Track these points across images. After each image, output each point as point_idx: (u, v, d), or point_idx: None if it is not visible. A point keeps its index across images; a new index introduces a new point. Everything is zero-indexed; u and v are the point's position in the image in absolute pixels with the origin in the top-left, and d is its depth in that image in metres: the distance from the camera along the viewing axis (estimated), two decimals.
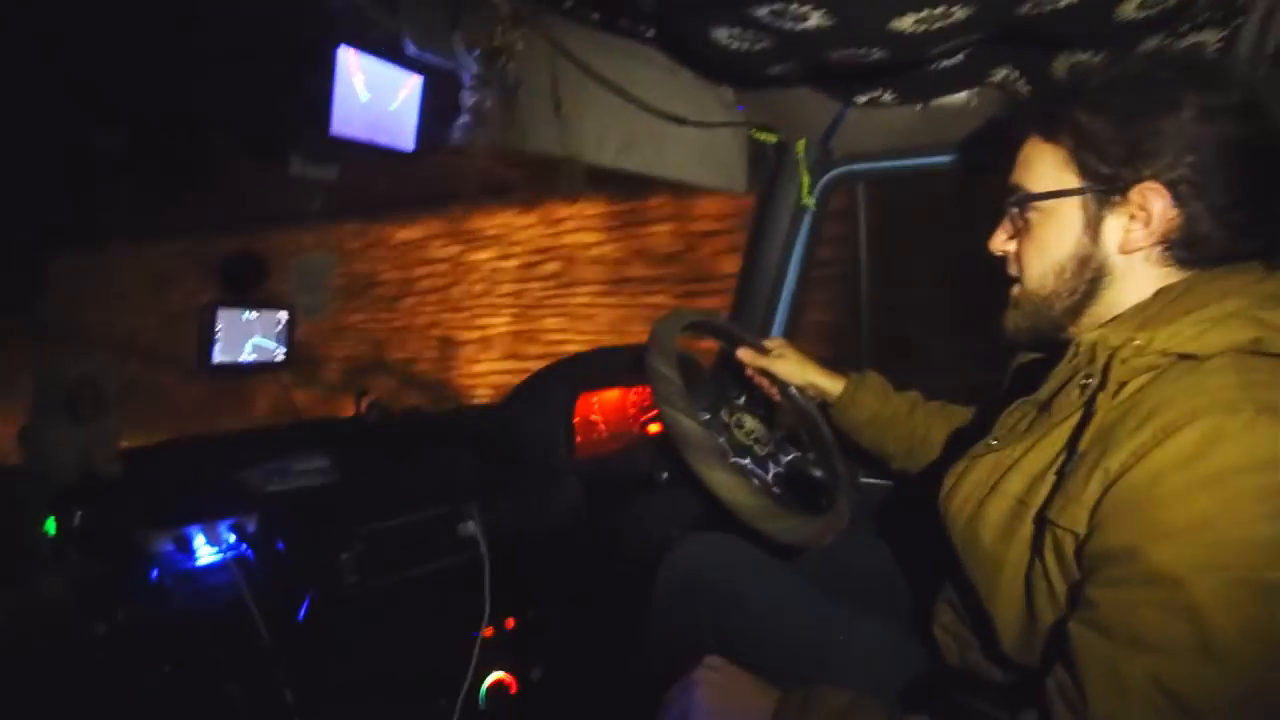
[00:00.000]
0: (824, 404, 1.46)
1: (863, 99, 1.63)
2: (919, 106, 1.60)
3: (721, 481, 1.09)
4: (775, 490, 1.22)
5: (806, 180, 1.78)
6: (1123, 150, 0.85)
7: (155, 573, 1.00)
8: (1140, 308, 0.87)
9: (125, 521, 1.03)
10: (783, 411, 1.48)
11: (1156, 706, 0.67)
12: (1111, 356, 0.81)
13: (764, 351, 1.47)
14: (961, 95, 1.55)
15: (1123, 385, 0.80)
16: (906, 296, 1.92)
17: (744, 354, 1.45)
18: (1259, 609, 0.67)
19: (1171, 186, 0.84)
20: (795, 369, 1.45)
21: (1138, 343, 0.80)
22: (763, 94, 1.73)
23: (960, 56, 1.37)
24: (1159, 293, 0.87)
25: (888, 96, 1.59)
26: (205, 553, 1.06)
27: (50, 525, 1.00)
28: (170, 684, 1.00)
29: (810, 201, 1.79)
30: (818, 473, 1.34)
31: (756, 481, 1.18)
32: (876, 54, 1.29)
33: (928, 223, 1.87)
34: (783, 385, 1.46)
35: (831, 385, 1.43)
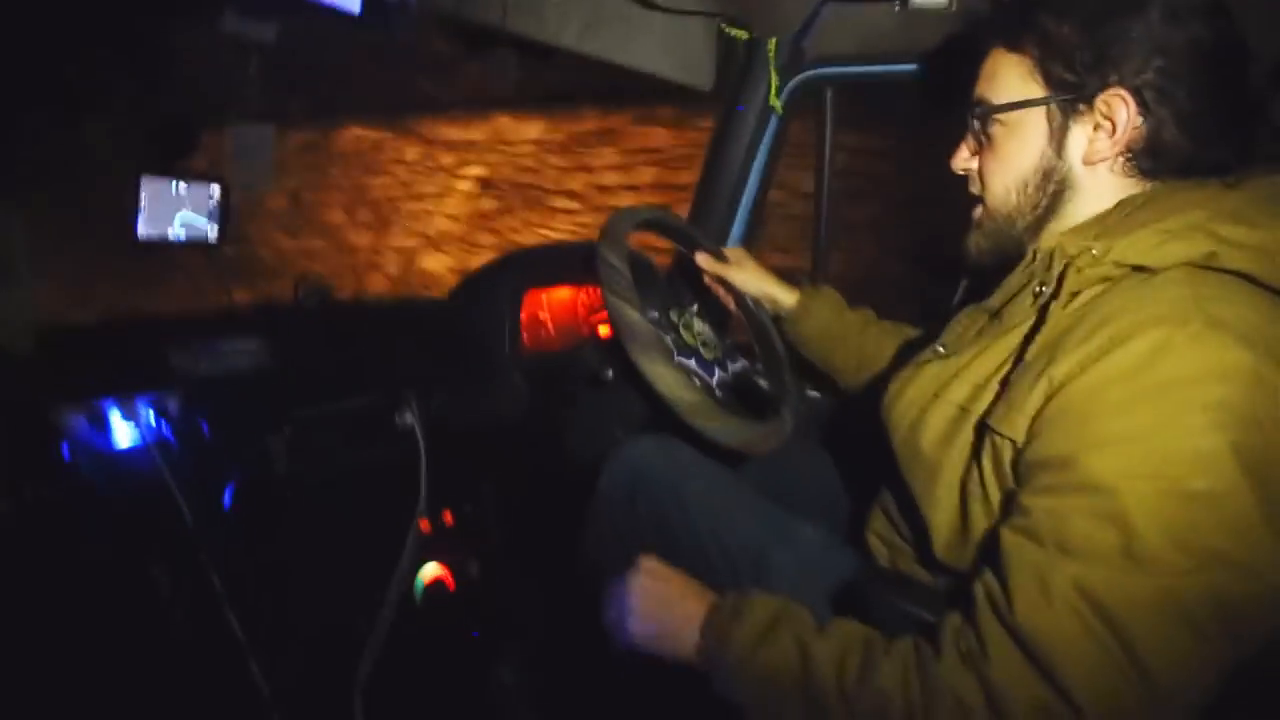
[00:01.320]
0: (777, 317, 1.45)
1: None
2: (897, 8, 1.53)
3: (662, 376, 1.08)
4: (718, 394, 1.21)
5: (776, 82, 1.71)
6: (1089, 56, 0.83)
7: (66, 449, 0.95)
8: (1100, 218, 0.86)
9: (32, 394, 0.96)
10: (735, 320, 1.46)
11: (1080, 612, 0.68)
12: (1067, 265, 0.81)
13: (722, 259, 1.44)
14: None
15: (1075, 295, 0.80)
16: (870, 215, 1.88)
17: (701, 259, 1.43)
18: (1185, 518, 0.67)
19: (1137, 93, 0.82)
20: (752, 278, 1.43)
21: (1094, 252, 0.79)
22: None
23: None
24: (1120, 204, 0.86)
25: None
26: (123, 432, 1.00)
27: None
28: (86, 569, 0.97)
29: (778, 104, 1.73)
30: (764, 384, 1.33)
31: (698, 381, 1.17)
32: None
33: (893, 143, 1.82)
34: (738, 294, 1.44)
35: (787, 297, 1.42)
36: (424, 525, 1.26)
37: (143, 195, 1.27)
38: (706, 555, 1.12)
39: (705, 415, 1.09)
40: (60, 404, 0.96)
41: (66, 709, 0.95)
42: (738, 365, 1.30)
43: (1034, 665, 0.69)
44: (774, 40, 1.70)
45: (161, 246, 1.30)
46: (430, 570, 1.29)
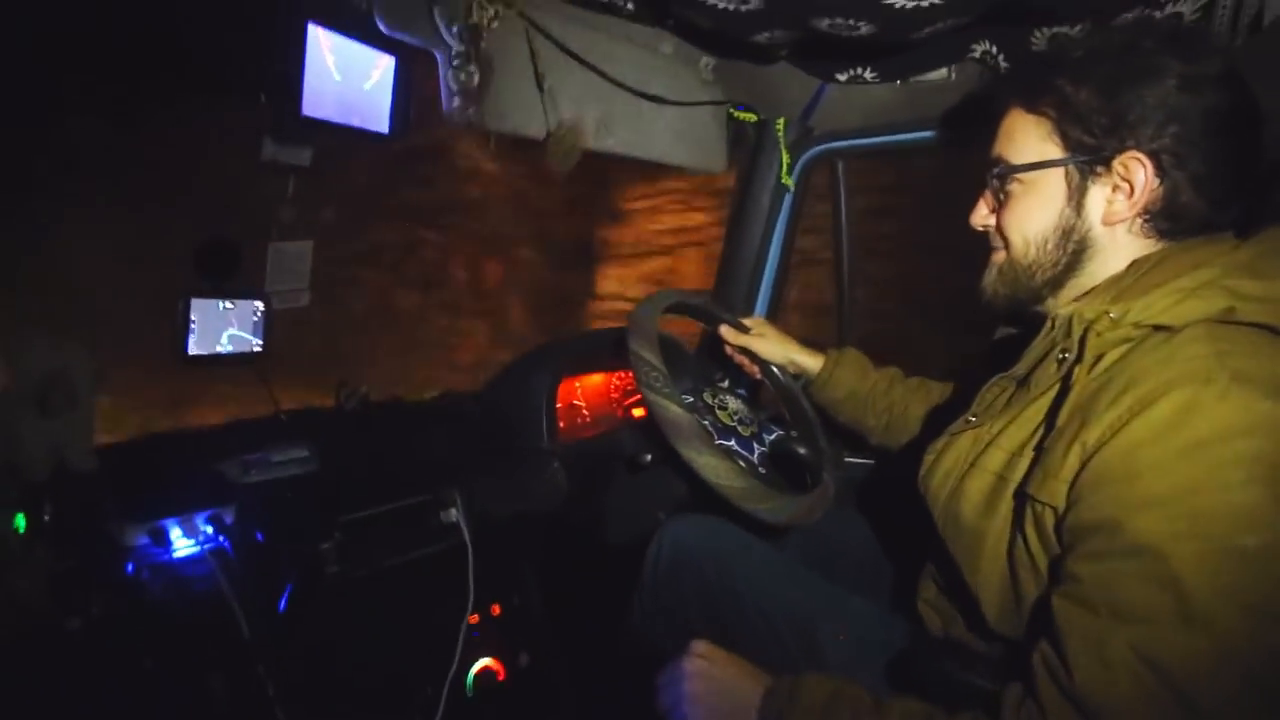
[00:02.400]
0: (805, 382, 1.46)
1: (843, 77, 1.61)
2: (898, 83, 1.59)
3: (708, 465, 1.09)
4: (761, 470, 1.22)
5: (786, 159, 1.77)
6: (1107, 120, 0.85)
7: (131, 567, 0.98)
8: (1114, 280, 0.88)
9: (98, 515, 1.00)
10: (765, 391, 1.48)
11: (1140, 677, 0.68)
12: (1087, 330, 0.82)
13: (744, 330, 1.47)
14: (941, 71, 1.54)
15: (1099, 358, 0.81)
16: (889, 274, 1.91)
17: (725, 332, 1.46)
18: (1238, 575, 0.67)
19: (1154, 157, 0.84)
20: (775, 347, 1.45)
21: (1112, 315, 0.80)
22: (742, 71, 1.71)
23: (941, 32, 1.36)
24: (1132, 265, 0.87)
25: (868, 74, 1.58)
26: (182, 545, 1.03)
27: (19, 521, 0.98)
28: (150, 679, 0.99)
29: (790, 181, 1.78)
30: (802, 450, 1.34)
31: (743, 463, 1.18)
32: (864, 28, 1.28)
33: (909, 202, 1.86)
34: (763, 363, 1.46)
35: (811, 362, 1.44)
36: (473, 619, 1.26)
37: (193, 315, 1.33)
38: (755, 632, 1.11)
39: (756, 498, 1.10)
40: (125, 523, 1.00)
41: None
42: (774, 436, 1.31)
43: None
44: (782, 121, 1.77)
45: (209, 361, 1.36)
46: (480, 662, 1.29)
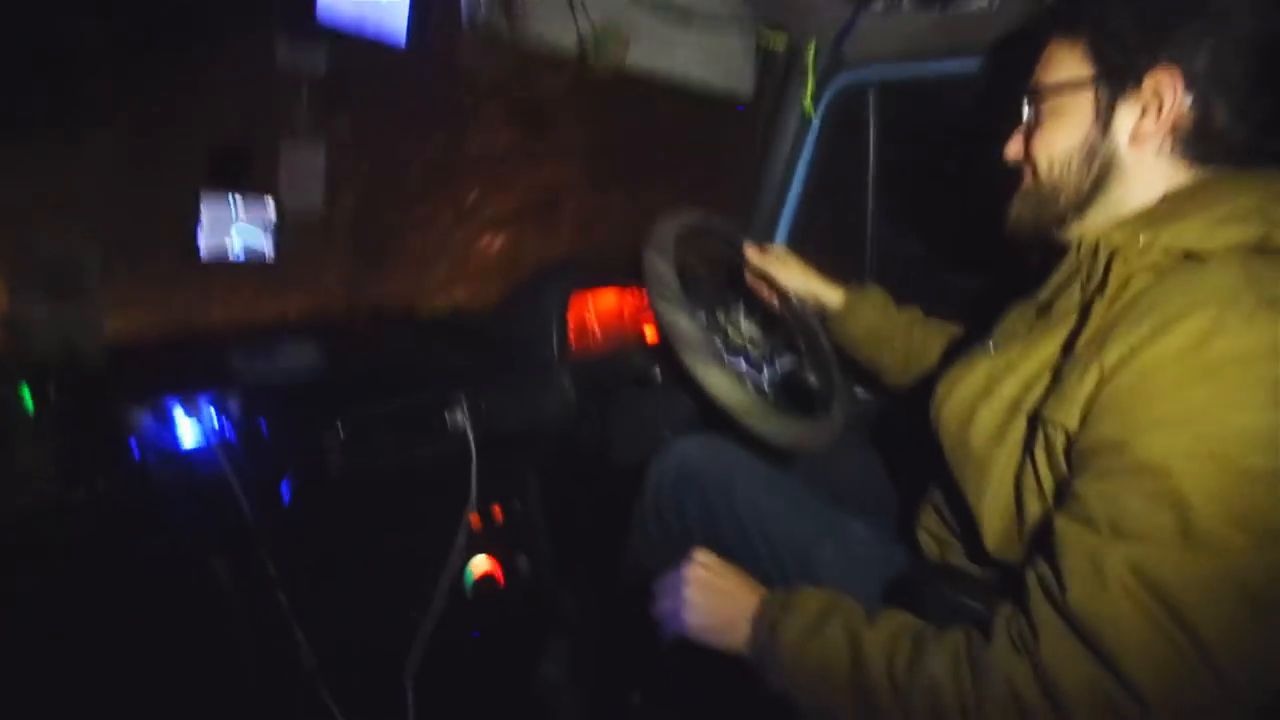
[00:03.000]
0: (823, 316, 1.44)
1: (880, 3, 1.56)
2: (938, 11, 1.53)
3: (713, 379, 1.08)
4: (768, 392, 1.21)
5: (811, 87, 1.72)
6: (1139, 37, 0.83)
7: (135, 446, 0.99)
8: (1147, 209, 0.85)
9: (105, 396, 1.01)
10: (781, 319, 1.46)
11: (1134, 594, 0.67)
12: (1114, 255, 0.80)
13: (767, 255, 1.44)
14: (983, 1, 1.48)
15: (1125, 285, 0.79)
16: (914, 213, 1.87)
17: (749, 251, 1.43)
18: (1243, 497, 0.66)
19: (1187, 74, 0.81)
20: (797, 276, 1.43)
21: (1142, 241, 0.78)
22: None
23: None
24: (1167, 195, 0.85)
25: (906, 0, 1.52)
26: (188, 431, 1.04)
27: (25, 394, 0.98)
28: (154, 556, 1.00)
29: (812, 108, 1.73)
30: (813, 379, 1.32)
31: (749, 383, 1.17)
32: None
33: (940, 135, 1.81)
34: (782, 292, 1.44)
35: (833, 295, 1.41)
36: (474, 521, 1.28)
37: (203, 213, 1.32)
38: (754, 552, 1.12)
39: (759, 416, 1.09)
40: (129, 404, 1.01)
41: (129, 694, 0.98)
42: (785, 362, 1.29)
43: (1088, 648, 0.68)
44: (812, 45, 1.71)
45: (219, 260, 1.36)
46: (480, 564, 1.31)
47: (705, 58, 1.69)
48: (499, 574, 1.31)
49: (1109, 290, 0.79)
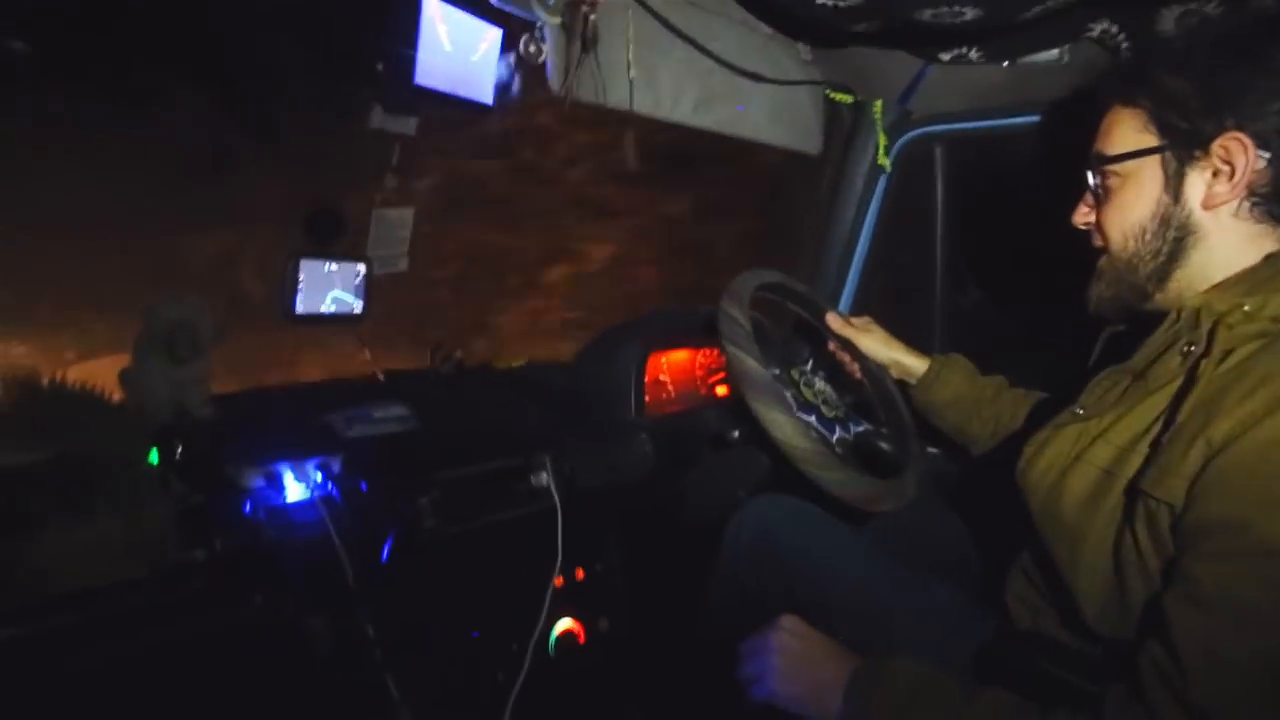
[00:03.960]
0: (905, 384, 1.42)
1: (946, 57, 1.57)
2: (1005, 64, 1.54)
3: (778, 421, 1.07)
4: (837, 450, 1.20)
5: (883, 141, 1.74)
6: (1202, 103, 0.84)
7: (249, 506, 1.04)
8: (1249, 272, 0.84)
9: (221, 457, 1.07)
10: (856, 383, 1.46)
11: (1264, 685, 0.65)
12: (1217, 323, 0.79)
13: (848, 324, 1.43)
14: (1053, 53, 1.49)
15: (1229, 353, 0.77)
16: (984, 270, 1.86)
17: (832, 320, 1.42)
18: None
19: (1258, 136, 0.81)
20: (880, 345, 1.41)
21: (1247, 309, 0.77)
22: (840, 53, 1.69)
23: (1054, 10, 1.31)
24: (1269, 257, 0.84)
25: (974, 54, 1.54)
26: (294, 490, 1.09)
27: (153, 456, 1.05)
28: (261, 614, 1.05)
29: (887, 163, 1.75)
30: (887, 447, 1.30)
31: (815, 433, 1.16)
32: (969, 13, 1.25)
33: (1010, 191, 1.81)
34: (864, 360, 1.43)
35: (917, 364, 1.40)
36: (558, 582, 1.30)
37: (301, 275, 1.39)
38: (833, 616, 1.10)
39: (820, 464, 1.08)
40: (243, 465, 1.06)
41: None
42: (861, 428, 1.29)
43: None
44: (879, 102, 1.73)
45: (314, 320, 1.42)
46: (563, 624, 1.33)
47: (773, 118, 1.73)
48: (580, 633, 1.33)
49: (1213, 357, 0.78)
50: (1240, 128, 0.82)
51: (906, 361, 1.40)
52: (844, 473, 1.10)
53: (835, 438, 1.21)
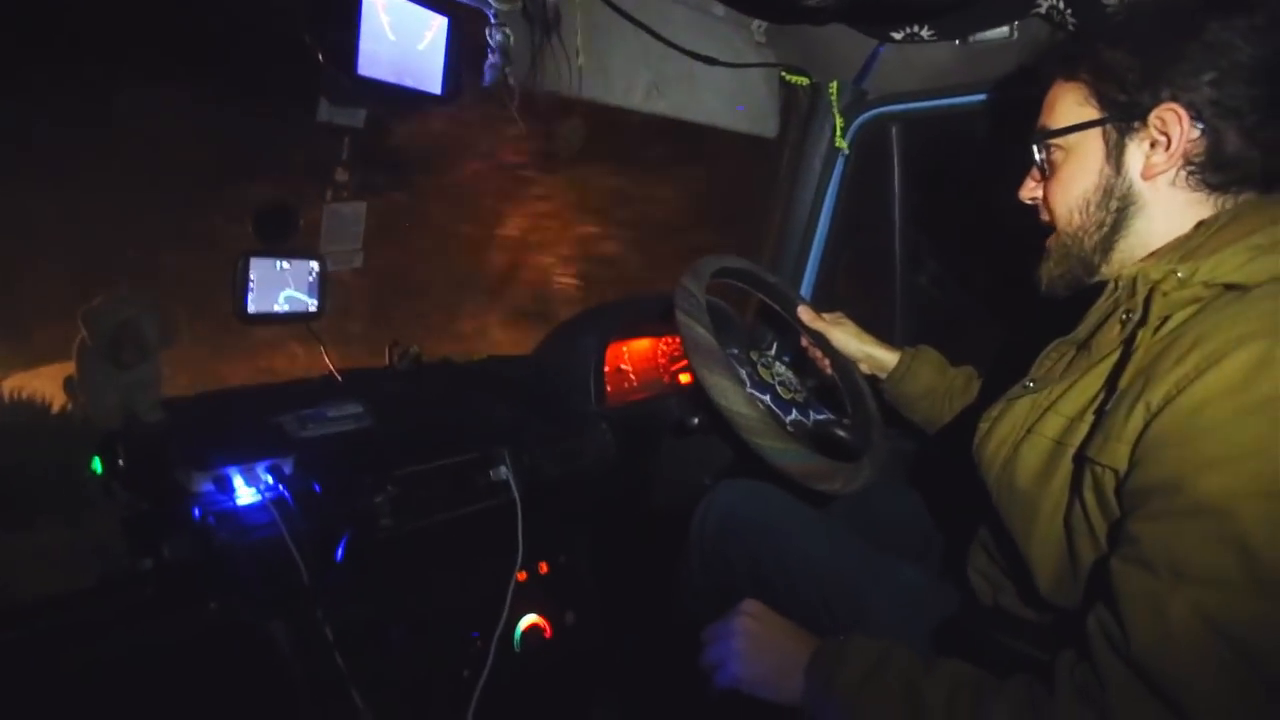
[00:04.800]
0: (875, 378, 1.43)
1: (899, 35, 1.57)
2: (957, 43, 1.55)
3: (722, 388, 1.07)
4: (789, 429, 1.19)
5: (840, 123, 1.74)
6: (1139, 75, 0.85)
7: (197, 512, 1.02)
8: (1182, 240, 0.86)
9: (168, 462, 1.05)
10: (821, 373, 1.46)
11: (1204, 640, 0.66)
12: (1153, 290, 0.80)
13: (819, 317, 1.43)
14: (1003, 30, 1.49)
15: (1165, 319, 0.79)
16: (942, 248, 1.87)
17: (804, 313, 1.43)
18: None
19: (1191, 106, 0.83)
20: (852, 340, 1.42)
21: (1180, 275, 0.78)
22: (794, 33, 1.68)
23: None
24: (1200, 224, 0.85)
25: (925, 33, 1.54)
26: (245, 494, 1.07)
27: (96, 464, 1.02)
28: (216, 620, 1.03)
29: (845, 145, 1.75)
30: (846, 436, 1.31)
31: (763, 406, 1.16)
32: None
33: (965, 169, 1.82)
34: (834, 355, 1.43)
35: (887, 358, 1.41)
36: (521, 576, 1.29)
37: (251, 275, 1.36)
38: (802, 599, 1.11)
39: (764, 434, 1.08)
40: (189, 469, 1.04)
41: None
42: (822, 416, 1.29)
43: (1156, 697, 0.67)
44: (835, 84, 1.73)
45: (267, 319, 1.39)
46: (527, 619, 1.32)
47: (730, 101, 1.71)
48: (546, 627, 1.33)
49: (1149, 324, 0.79)
50: (1175, 98, 0.83)
51: (878, 355, 1.41)
52: (788, 444, 1.10)
53: (790, 418, 1.21)
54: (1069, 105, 0.92)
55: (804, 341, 1.46)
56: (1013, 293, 1.36)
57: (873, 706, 0.83)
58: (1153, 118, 0.85)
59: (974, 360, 1.41)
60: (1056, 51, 0.97)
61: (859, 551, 1.17)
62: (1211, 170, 0.85)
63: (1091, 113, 0.90)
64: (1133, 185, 0.89)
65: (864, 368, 1.43)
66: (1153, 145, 0.86)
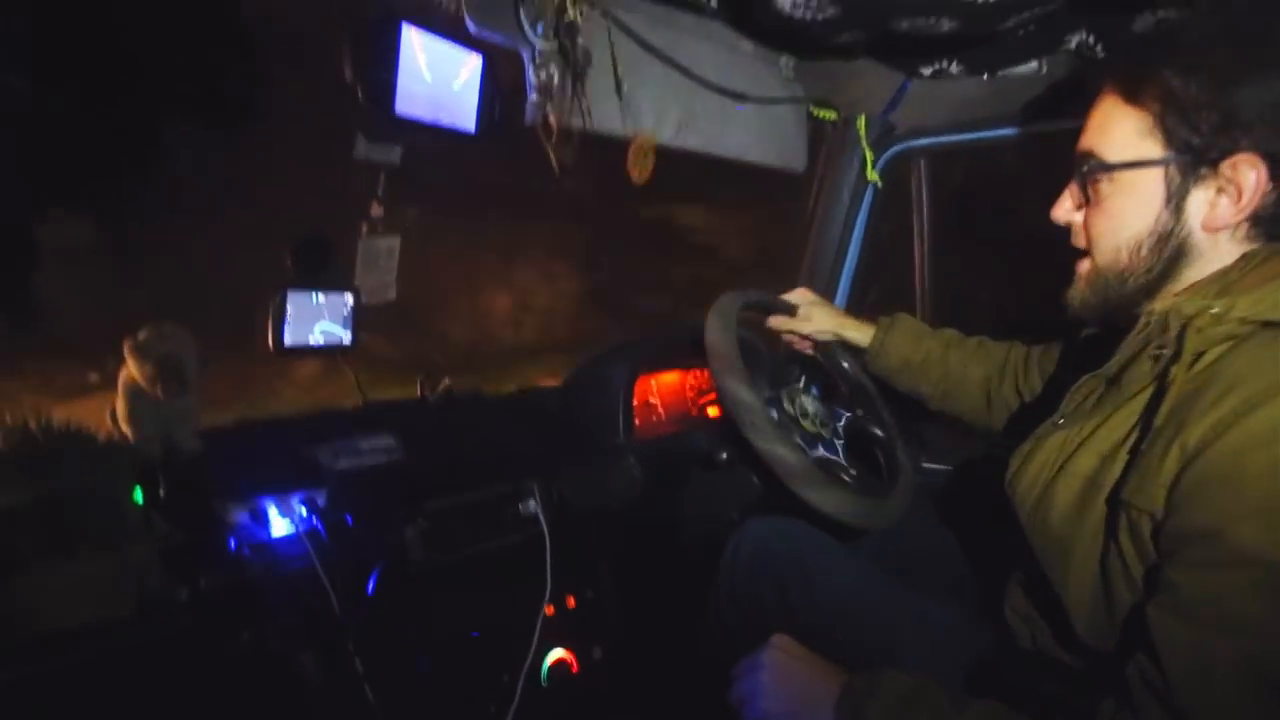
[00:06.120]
0: (861, 353, 1.43)
1: (927, 71, 1.58)
2: (985, 77, 1.55)
3: (775, 451, 1.07)
4: (831, 467, 1.19)
5: (870, 156, 1.74)
6: (1218, 116, 0.77)
7: (233, 543, 1.04)
8: (1220, 274, 0.82)
9: (205, 492, 1.06)
10: (839, 389, 1.46)
11: (1248, 690, 0.65)
12: (1186, 325, 0.77)
13: (791, 310, 1.43)
14: (1031, 65, 1.50)
15: (1199, 356, 0.76)
16: (967, 278, 1.87)
17: (773, 321, 1.43)
18: None
19: (1269, 158, 0.76)
20: (824, 323, 1.42)
21: (1215, 310, 0.75)
22: (822, 68, 1.70)
23: (1030, 23, 1.32)
24: (1242, 258, 0.81)
25: (954, 68, 1.55)
26: (279, 525, 1.09)
27: (138, 494, 1.04)
28: (248, 651, 1.04)
29: (876, 178, 1.76)
30: (877, 431, 1.31)
31: (846, 478, 1.17)
32: (946, 24, 1.25)
33: (991, 199, 1.82)
34: (817, 343, 1.44)
35: (860, 334, 1.41)
36: (549, 610, 1.29)
37: (288, 307, 1.38)
38: (833, 636, 1.10)
39: (821, 491, 1.08)
40: (226, 500, 1.06)
41: None
42: (843, 422, 1.29)
43: None
44: (863, 118, 1.74)
45: (302, 351, 1.42)
46: (555, 653, 1.32)
47: (757, 137, 1.73)
48: (573, 662, 1.32)
49: (1183, 361, 0.76)
50: (1255, 148, 0.76)
51: (851, 332, 1.42)
52: (827, 490, 1.10)
53: (828, 453, 1.21)
54: (1128, 134, 0.83)
55: (785, 338, 1.46)
56: (1039, 326, 1.35)
57: None
58: (1225, 166, 0.78)
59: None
60: (1118, 64, 0.89)
61: (891, 589, 1.16)
62: (1275, 224, 0.79)
63: (1155, 148, 0.81)
64: (1191, 235, 0.82)
65: (845, 337, 1.43)
66: (1219, 193, 0.80)
